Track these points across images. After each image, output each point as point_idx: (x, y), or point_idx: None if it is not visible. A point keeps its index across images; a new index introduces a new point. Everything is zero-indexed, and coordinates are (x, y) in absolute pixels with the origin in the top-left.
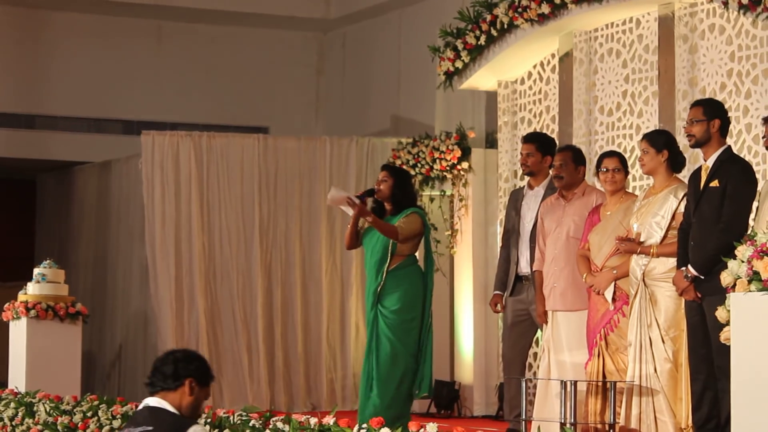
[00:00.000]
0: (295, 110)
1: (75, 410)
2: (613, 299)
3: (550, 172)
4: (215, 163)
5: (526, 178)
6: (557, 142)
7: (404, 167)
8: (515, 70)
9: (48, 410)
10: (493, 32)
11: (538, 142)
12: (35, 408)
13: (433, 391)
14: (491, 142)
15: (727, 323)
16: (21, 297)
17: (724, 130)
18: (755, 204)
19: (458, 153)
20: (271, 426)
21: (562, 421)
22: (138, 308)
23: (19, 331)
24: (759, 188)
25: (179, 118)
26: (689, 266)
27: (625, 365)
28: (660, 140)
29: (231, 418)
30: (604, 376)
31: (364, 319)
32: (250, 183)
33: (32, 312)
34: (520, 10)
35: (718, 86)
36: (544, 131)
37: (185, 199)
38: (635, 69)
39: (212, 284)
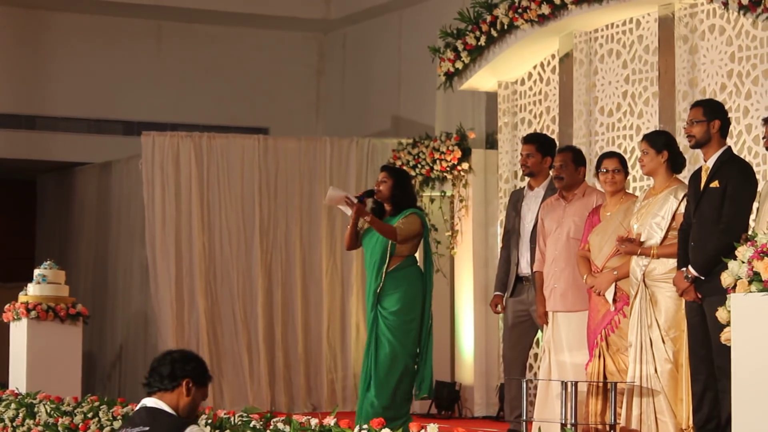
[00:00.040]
0: (295, 111)
1: (75, 411)
2: (614, 300)
3: (551, 172)
4: (215, 164)
5: (527, 179)
6: (557, 142)
7: (404, 168)
8: (515, 70)
9: (49, 411)
10: (494, 33)
11: (538, 142)
12: (36, 409)
13: (433, 392)
14: (491, 143)
15: (728, 324)
16: (21, 298)
17: (724, 130)
18: (755, 205)
19: (458, 154)
20: (271, 427)
21: (563, 421)
22: (138, 309)
23: (19, 332)
24: (759, 189)
25: (179, 118)
26: (689, 267)
27: (626, 366)
28: (660, 141)
29: (232, 418)
30: (604, 377)
31: (365, 320)
32: (251, 183)
33: (33, 313)
34: (520, 10)
35: (718, 87)
36: (545, 132)
37: (185, 199)
38: (635, 70)
39: (212, 285)
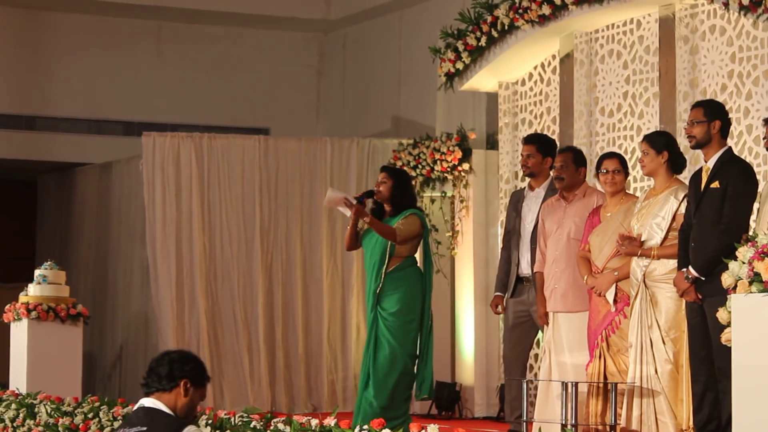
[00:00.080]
0: (295, 111)
1: (76, 411)
2: (615, 301)
3: (551, 173)
4: (216, 164)
5: (527, 180)
6: (558, 143)
7: (405, 168)
8: (516, 71)
9: (49, 411)
10: (494, 33)
11: (538, 143)
12: (36, 409)
13: (434, 392)
14: (492, 144)
15: (728, 324)
16: (22, 298)
17: (724, 131)
18: (756, 205)
19: (459, 154)
20: (272, 427)
21: (563, 422)
22: (139, 309)
23: (20, 333)
24: (759, 189)
25: (180, 119)
26: (690, 267)
27: (627, 366)
28: (660, 141)
29: (232, 419)
30: (605, 378)
31: (365, 320)
32: (251, 184)
33: (33, 313)
34: (520, 11)
35: (718, 87)
36: (545, 132)
37: (186, 200)
38: (636, 70)
39: (213, 285)
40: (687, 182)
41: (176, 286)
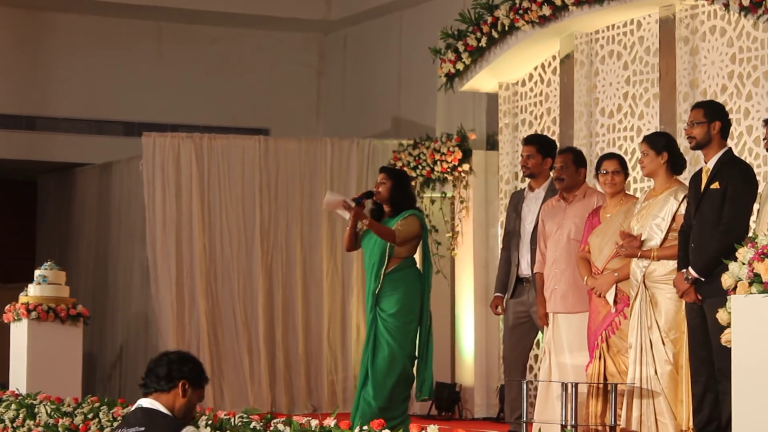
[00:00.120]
0: (295, 112)
1: (76, 412)
2: (615, 301)
3: (551, 174)
4: (216, 165)
5: (527, 180)
6: (558, 144)
7: (405, 169)
8: (516, 71)
9: (49, 412)
10: (494, 34)
11: (538, 144)
12: (36, 410)
13: (434, 393)
14: (492, 144)
15: (728, 325)
16: (22, 299)
17: (724, 132)
18: (756, 206)
19: (459, 155)
20: (272, 428)
21: (563, 423)
22: (139, 310)
23: (20, 333)
24: (759, 190)
25: (180, 119)
26: (690, 268)
27: (627, 367)
28: (660, 142)
29: (232, 419)
30: (605, 378)
31: (365, 321)
32: (251, 184)
33: (33, 314)
34: (521, 12)
35: (719, 88)
36: (545, 133)
37: (186, 200)
38: (636, 71)
39: (213, 286)
40: (687, 183)
41: (176, 287)
